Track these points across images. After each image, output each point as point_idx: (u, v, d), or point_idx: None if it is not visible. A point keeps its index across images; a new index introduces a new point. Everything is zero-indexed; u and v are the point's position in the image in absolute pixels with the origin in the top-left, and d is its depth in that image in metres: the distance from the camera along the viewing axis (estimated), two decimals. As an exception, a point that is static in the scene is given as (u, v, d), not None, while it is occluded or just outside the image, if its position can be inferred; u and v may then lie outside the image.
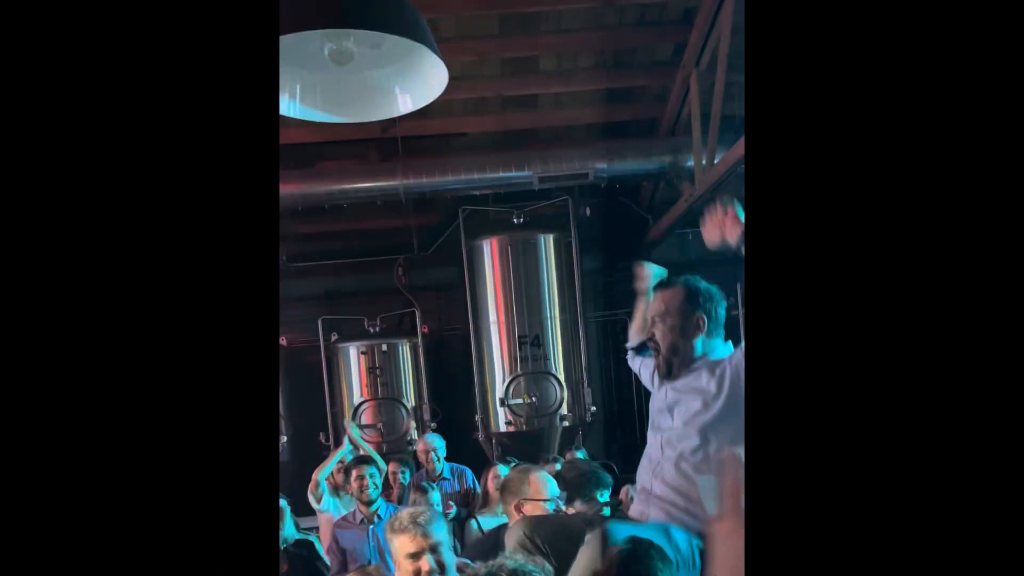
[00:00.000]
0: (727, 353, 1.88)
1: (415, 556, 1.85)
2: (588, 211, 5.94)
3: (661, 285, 1.97)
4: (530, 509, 2.19)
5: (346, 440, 4.36)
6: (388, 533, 1.96)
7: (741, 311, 5.49)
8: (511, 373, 5.66)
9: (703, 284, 1.92)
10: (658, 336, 1.91)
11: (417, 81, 2.01)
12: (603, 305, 6.26)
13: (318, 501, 4.03)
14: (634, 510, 1.91)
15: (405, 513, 1.94)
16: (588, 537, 1.55)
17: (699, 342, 1.88)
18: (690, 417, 1.81)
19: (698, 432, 1.79)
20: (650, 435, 1.95)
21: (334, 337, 6.03)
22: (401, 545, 1.88)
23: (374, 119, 2.18)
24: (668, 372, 1.90)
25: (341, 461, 4.05)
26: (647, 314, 2.00)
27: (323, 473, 4.04)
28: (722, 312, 1.92)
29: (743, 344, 1.76)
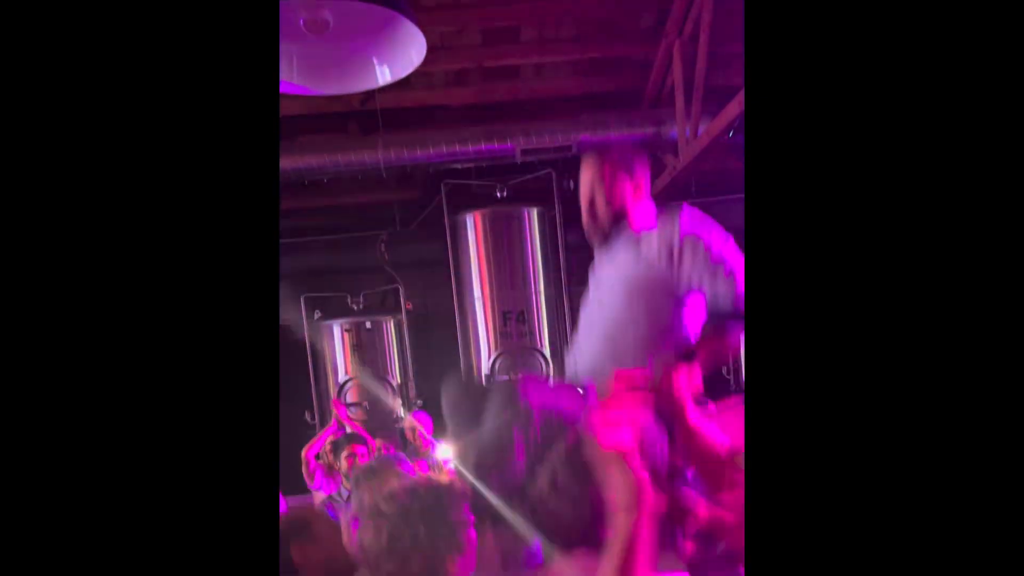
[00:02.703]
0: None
1: None
2: (572, 184, 5.90)
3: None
4: None
5: (335, 419, 4.37)
6: None
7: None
8: (496, 349, 5.64)
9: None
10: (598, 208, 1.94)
11: (395, 51, 1.96)
12: (588, 279, 6.25)
13: (311, 480, 4.03)
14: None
15: None
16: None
17: (628, 205, 1.91)
18: (612, 283, 1.90)
19: (616, 294, 1.86)
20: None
21: (317, 315, 5.98)
22: None
23: (352, 91, 2.12)
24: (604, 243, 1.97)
25: (330, 440, 4.05)
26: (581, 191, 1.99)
27: (312, 451, 4.04)
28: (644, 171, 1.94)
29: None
